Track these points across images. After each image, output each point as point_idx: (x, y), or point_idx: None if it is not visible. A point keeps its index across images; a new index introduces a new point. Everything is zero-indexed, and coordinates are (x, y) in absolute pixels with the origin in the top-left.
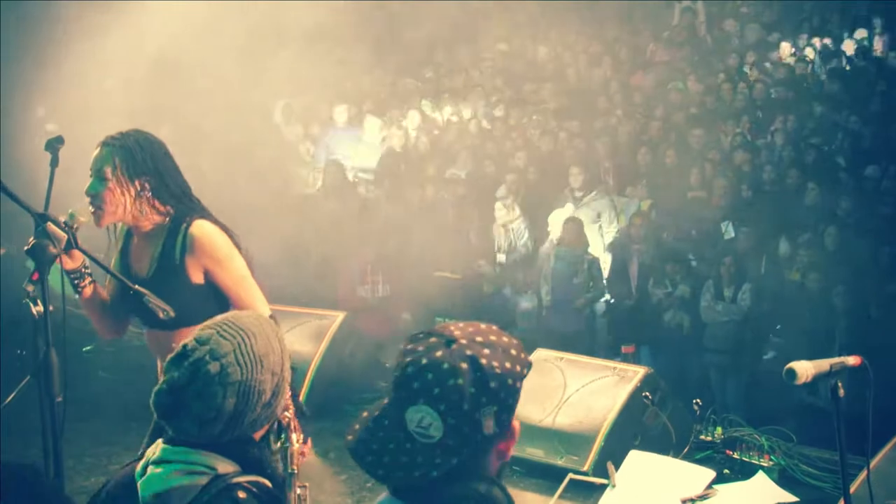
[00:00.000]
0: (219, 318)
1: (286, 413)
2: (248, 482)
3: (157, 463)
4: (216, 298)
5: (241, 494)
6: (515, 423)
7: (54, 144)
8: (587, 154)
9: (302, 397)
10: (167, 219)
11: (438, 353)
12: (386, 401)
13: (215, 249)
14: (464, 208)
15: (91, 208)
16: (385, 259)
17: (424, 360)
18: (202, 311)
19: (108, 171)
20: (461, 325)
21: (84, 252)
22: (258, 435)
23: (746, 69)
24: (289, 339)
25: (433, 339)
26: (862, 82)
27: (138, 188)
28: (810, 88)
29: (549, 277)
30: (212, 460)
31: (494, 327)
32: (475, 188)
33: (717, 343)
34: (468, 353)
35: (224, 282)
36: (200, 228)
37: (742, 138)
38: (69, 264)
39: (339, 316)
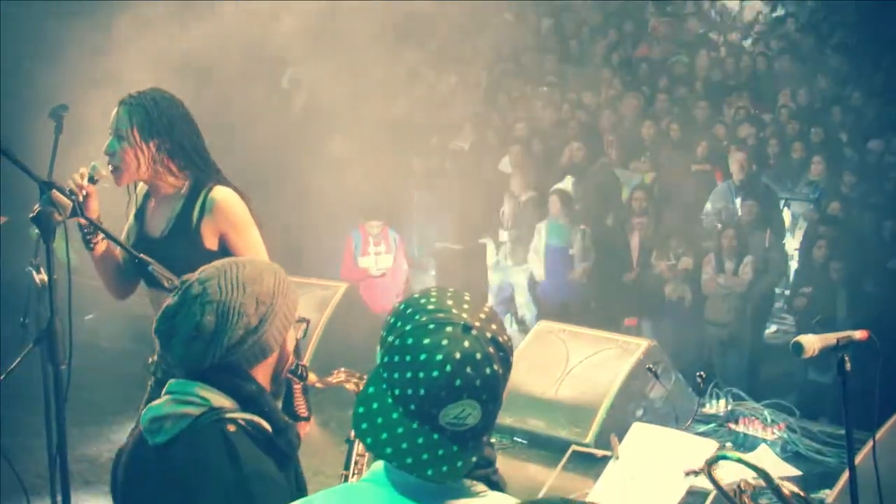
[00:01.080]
0: None
1: (295, 386)
2: (243, 419)
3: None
4: None
5: (231, 428)
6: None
7: (58, 112)
8: (590, 127)
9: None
10: (186, 182)
11: (466, 344)
12: (384, 389)
13: (234, 216)
14: (467, 180)
15: (110, 167)
16: (386, 230)
17: (458, 355)
18: None
19: (125, 130)
20: (450, 302)
21: (88, 219)
22: (258, 373)
23: (749, 43)
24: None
25: (449, 329)
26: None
27: (154, 148)
28: (815, 62)
29: (542, 251)
30: (207, 393)
31: (468, 294)
32: (478, 159)
33: (719, 316)
34: (488, 335)
35: (238, 249)
36: (221, 193)
37: (746, 112)
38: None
39: (342, 286)
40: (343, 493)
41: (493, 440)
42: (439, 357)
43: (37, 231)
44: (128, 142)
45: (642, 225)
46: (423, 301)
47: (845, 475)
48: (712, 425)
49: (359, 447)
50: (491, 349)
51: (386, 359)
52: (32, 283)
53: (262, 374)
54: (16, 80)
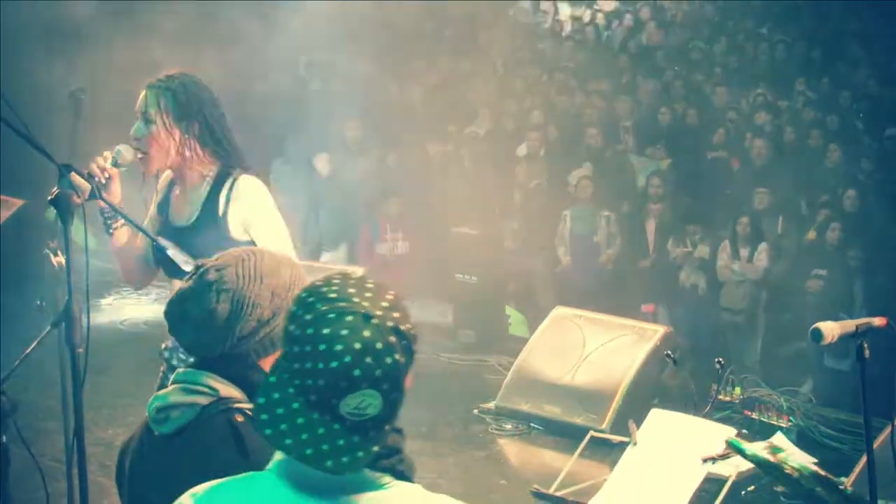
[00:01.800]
0: None
1: None
2: (252, 409)
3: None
4: None
5: (239, 418)
6: (410, 377)
7: (77, 95)
8: (606, 113)
9: None
10: (214, 169)
11: (366, 333)
12: (286, 381)
13: (260, 205)
14: (483, 166)
15: (137, 154)
16: (404, 216)
17: (357, 345)
18: None
19: (154, 113)
20: (352, 290)
21: (107, 202)
22: (267, 364)
23: (765, 30)
24: None
25: (349, 318)
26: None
27: (183, 132)
28: (831, 49)
29: (567, 238)
30: (215, 383)
31: (371, 281)
32: (494, 145)
33: (734, 303)
34: (390, 324)
35: (263, 238)
36: (247, 182)
37: (763, 99)
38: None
39: (359, 271)
40: (244, 484)
41: (399, 427)
42: (339, 347)
43: (55, 213)
44: (157, 125)
45: (658, 211)
46: (324, 289)
47: (862, 462)
48: (728, 412)
49: None
50: (392, 338)
51: (287, 349)
52: (49, 265)
53: (272, 365)
54: (35, 65)
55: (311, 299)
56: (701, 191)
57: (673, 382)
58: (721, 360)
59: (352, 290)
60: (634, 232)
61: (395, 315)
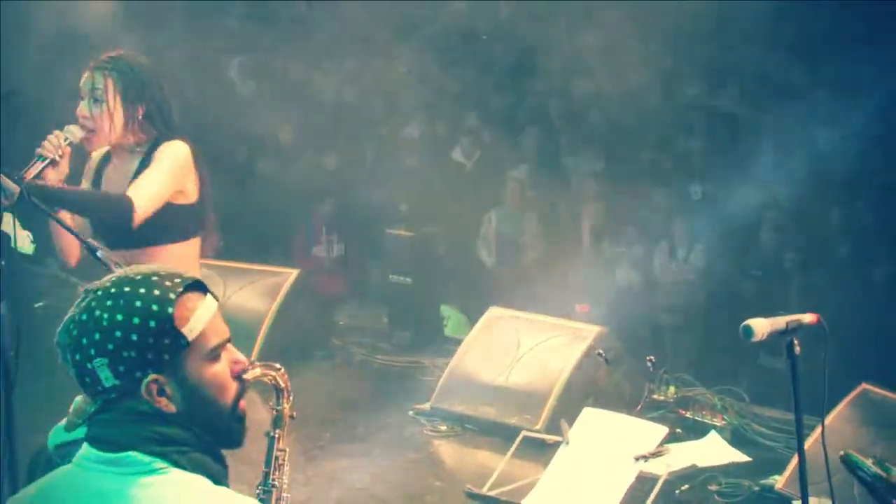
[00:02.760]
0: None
1: (279, 377)
2: None
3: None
4: (183, 218)
5: None
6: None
7: (8, 98)
8: (539, 114)
9: (254, 355)
10: (148, 140)
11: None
12: None
13: (162, 153)
14: (418, 168)
15: (82, 132)
16: (339, 218)
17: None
18: (168, 231)
19: (101, 92)
20: (119, 273)
21: (37, 206)
22: None
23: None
24: (242, 296)
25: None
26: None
27: (132, 111)
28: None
29: (492, 239)
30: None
31: (145, 271)
32: (428, 148)
33: (670, 302)
34: (92, 303)
35: (140, 179)
36: (169, 143)
37: (697, 100)
38: (52, 179)
39: (293, 273)
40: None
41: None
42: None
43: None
44: (106, 105)
45: (593, 212)
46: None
47: (795, 460)
48: (662, 411)
49: (279, 442)
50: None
51: None
52: None
53: None
54: None
55: None
56: (636, 190)
57: (607, 382)
58: (652, 358)
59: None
60: (569, 232)
61: (106, 303)
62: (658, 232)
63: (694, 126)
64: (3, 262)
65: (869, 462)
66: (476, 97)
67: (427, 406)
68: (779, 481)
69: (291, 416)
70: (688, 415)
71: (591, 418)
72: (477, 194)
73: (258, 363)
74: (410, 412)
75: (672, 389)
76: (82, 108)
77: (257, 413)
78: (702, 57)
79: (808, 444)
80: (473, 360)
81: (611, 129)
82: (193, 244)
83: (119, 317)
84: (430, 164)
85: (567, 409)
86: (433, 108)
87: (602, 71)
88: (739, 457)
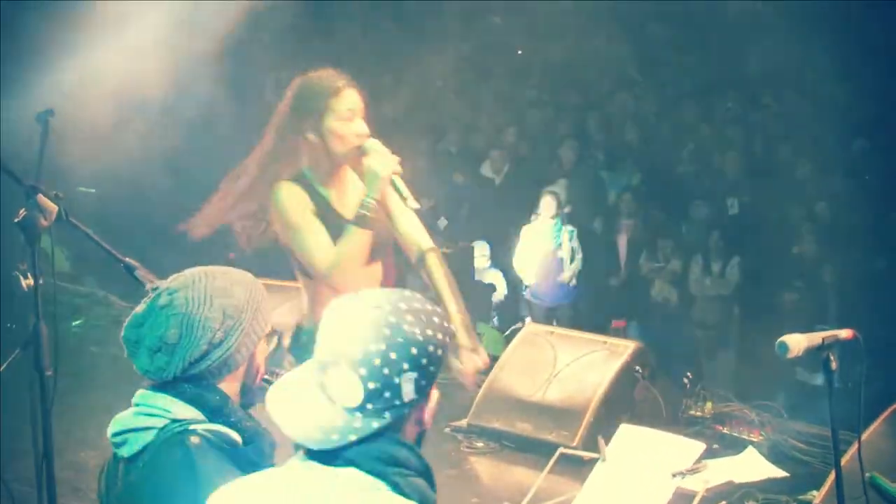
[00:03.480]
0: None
1: None
2: (208, 430)
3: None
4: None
5: (194, 439)
6: (434, 392)
7: (44, 117)
8: (579, 128)
9: None
10: None
11: (363, 318)
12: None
13: None
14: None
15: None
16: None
17: (350, 325)
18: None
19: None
20: (386, 291)
21: (76, 225)
22: (224, 384)
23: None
24: (283, 313)
25: (359, 304)
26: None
27: None
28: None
29: (524, 255)
30: (169, 404)
31: (418, 295)
32: (464, 163)
33: (706, 317)
34: (391, 318)
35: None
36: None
37: (733, 113)
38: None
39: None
40: (261, 484)
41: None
42: (335, 324)
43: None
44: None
45: (630, 227)
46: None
47: (832, 476)
48: (699, 427)
49: None
50: (386, 330)
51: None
52: (19, 287)
53: (229, 385)
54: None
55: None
56: (672, 205)
57: (644, 398)
58: (689, 374)
59: (380, 292)
60: (605, 247)
61: (406, 316)
62: (694, 246)
63: (731, 140)
64: (40, 281)
65: (894, 485)
66: (514, 110)
67: (464, 423)
68: (816, 497)
69: None
70: (725, 430)
71: (628, 435)
72: (508, 208)
73: None
74: (447, 429)
75: (709, 405)
76: (362, 125)
77: None
78: (737, 70)
79: (844, 460)
80: (510, 377)
81: (646, 142)
82: None
83: (429, 331)
84: (467, 177)
85: (604, 425)
86: (468, 121)
87: (638, 85)
88: (777, 472)
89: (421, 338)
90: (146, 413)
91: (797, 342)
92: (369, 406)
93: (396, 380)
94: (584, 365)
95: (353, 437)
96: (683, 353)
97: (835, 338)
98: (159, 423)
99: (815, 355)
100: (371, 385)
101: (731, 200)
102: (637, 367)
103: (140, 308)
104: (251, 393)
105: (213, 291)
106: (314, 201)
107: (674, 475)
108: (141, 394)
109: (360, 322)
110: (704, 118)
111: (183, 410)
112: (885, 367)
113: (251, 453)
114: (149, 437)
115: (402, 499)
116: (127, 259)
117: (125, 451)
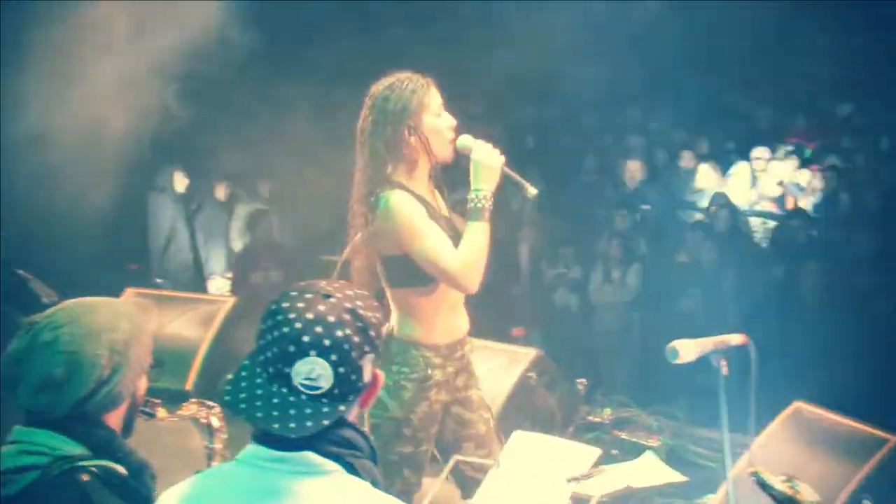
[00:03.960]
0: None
1: (213, 415)
2: (96, 466)
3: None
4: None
5: (85, 477)
6: (378, 372)
7: None
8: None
9: (189, 384)
10: None
11: (321, 307)
12: (253, 359)
13: None
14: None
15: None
16: (276, 245)
17: (310, 315)
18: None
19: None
20: (316, 282)
21: None
22: (110, 419)
23: None
24: (178, 325)
25: (309, 296)
26: None
27: None
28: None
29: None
30: (54, 441)
31: (342, 281)
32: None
33: (606, 324)
34: (347, 305)
35: None
36: None
37: (634, 122)
38: None
39: (229, 301)
40: (215, 475)
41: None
42: (292, 316)
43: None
44: None
45: (531, 235)
46: (300, 283)
47: (728, 481)
48: (597, 433)
49: None
50: (347, 316)
51: (259, 333)
52: None
53: (115, 419)
54: None
55: (284, 291)
56: (574, 213)
57: (544, 405)
58: (584, 381)
59: (322, 283)
60: (507, 255)
61: (358, 302)
62: (595, 254)
63: (631, 148)
64: None
65: (778, 480)
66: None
67: None
68: (711, 501)
69: None
70: (623, 436)
71: (522, 441)
72: None
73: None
74: None
75: (608, 411)
76: (451, 117)
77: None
78: (637, 78)
79: (741, 463)
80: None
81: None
82: None
83: (377, 315)
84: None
85: (505, 433)
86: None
87: (541, 93)
88: (675, 477)
89: (373, 319)
90: (28, 452)
91: (687, 347)
92: (336, 391)
93: (360, 362)
94: (485, 372)
95: (325, 422)
96: (584, 359)
97: (726, 343)
98: (44, 461)
99: (704, 360)
100: (341, 370)
101: (631, 208)
102: (530, 374)
103: (18, 343)
104: (132, 424)
105: (99, 326)
106: (422, 205)
107: (569, 480)
108: (19, 430)
109: (318, 312)
110: (606, 127)
111: (69, 447)
112: (780, 372)
113: (139, 486)
114: (33, 475)
115: (359, 480)
116: (19, 271)
117: (10, 490)
